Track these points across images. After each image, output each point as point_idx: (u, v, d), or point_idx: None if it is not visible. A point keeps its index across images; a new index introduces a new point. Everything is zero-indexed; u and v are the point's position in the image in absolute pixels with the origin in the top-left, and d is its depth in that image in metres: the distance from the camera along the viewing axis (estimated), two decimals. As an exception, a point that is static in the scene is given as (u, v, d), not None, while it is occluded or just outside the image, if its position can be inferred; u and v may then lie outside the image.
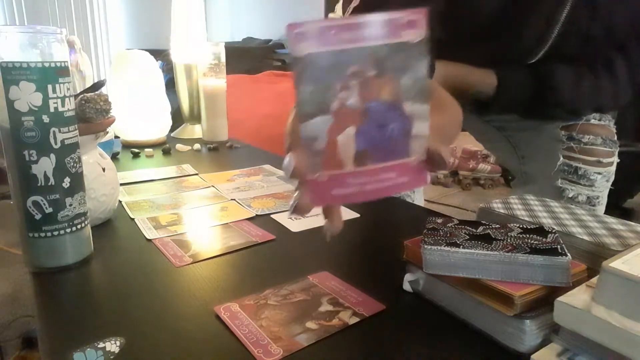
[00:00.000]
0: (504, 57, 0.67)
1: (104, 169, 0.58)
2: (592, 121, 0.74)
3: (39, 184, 0.43)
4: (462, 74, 0.65)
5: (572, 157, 0.74)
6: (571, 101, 0.69)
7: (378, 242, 0.57)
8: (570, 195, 0.74)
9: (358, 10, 0.59)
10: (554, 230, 0.39)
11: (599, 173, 0.73)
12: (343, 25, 0.25)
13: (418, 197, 0.87)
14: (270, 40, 3.26)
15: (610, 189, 0.77)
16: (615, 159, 0.75)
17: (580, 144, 0.74)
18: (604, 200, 0.76)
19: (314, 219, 0.61)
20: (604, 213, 0.73)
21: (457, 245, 0.36)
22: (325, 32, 0.25)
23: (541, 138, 0.79)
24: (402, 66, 0.27)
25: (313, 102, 0.26)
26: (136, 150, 1.00)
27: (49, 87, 0.42)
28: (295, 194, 0.29)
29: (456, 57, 0.65)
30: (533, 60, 0.68)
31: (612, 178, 0.76)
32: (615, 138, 0.75)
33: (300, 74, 0.25)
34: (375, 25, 0.25)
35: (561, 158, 0.75)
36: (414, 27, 0.26)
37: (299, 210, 0.29)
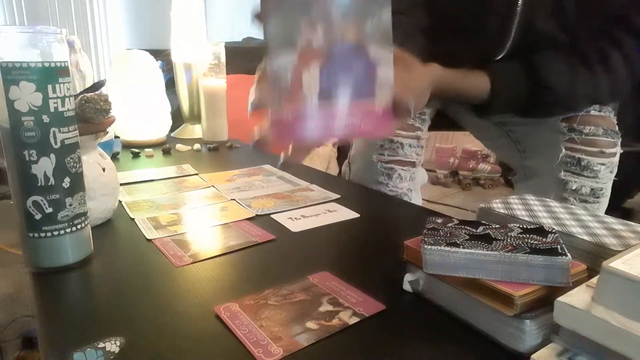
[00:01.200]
0: (482, 43, 0.68)
1: (104, 169, 0.58)
2: (592, 112, 0.73)
3: (39, 184, 0.43)
4: (456, 78, 0.65)
5: (574, 149, 0.73)
6: (568, 99, 0.69)
7: (378, 242, 0.57)
8: (573, 188, 0.72)
9: None
10: (554, 230, 0.39)
11: (603, 164, 0.72)
12: None
13: (415, 197, 0.87)
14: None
15: (614, 183, 0.75)
16: (618, 150, 0.74)
17: (581, 135, 0.72)
18: (607, 192, 0.74)
19: (314, 219, 0.61)
20: (605, 212, 0.73)
21: (457, 245, 0.36)
22: None
23: (542, 131, 0.78)
24: (365, 10, 0.28)
25: (280, 38, 0.27)
26: (136, 150, 1.00)
27: (49, 87, 0.42)
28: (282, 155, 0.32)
29: (442, 49, 0.65)
30: (509, 42, 0.68)
31: (616, 170, 0.74)
32: (617, 129, 0.74)
33: (268, 10, 0.26)
34: None
35: (563, 150, 0.73)
36: None
37: (288, 159, 0.33)
